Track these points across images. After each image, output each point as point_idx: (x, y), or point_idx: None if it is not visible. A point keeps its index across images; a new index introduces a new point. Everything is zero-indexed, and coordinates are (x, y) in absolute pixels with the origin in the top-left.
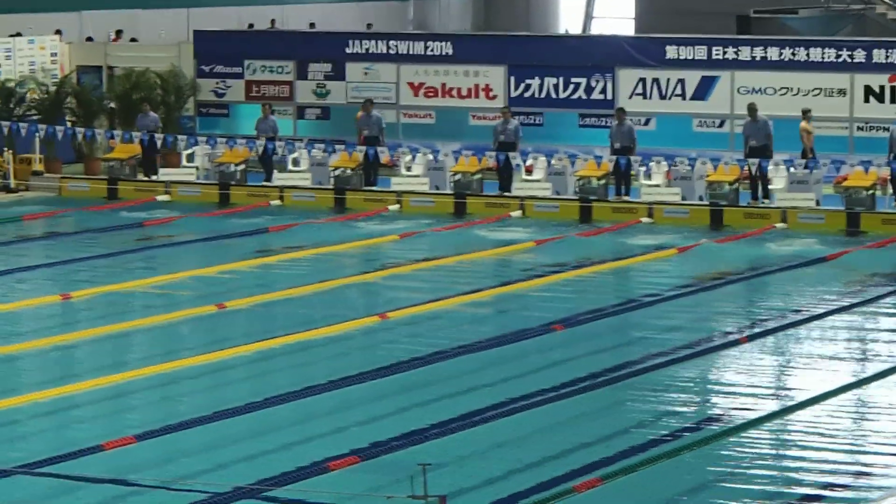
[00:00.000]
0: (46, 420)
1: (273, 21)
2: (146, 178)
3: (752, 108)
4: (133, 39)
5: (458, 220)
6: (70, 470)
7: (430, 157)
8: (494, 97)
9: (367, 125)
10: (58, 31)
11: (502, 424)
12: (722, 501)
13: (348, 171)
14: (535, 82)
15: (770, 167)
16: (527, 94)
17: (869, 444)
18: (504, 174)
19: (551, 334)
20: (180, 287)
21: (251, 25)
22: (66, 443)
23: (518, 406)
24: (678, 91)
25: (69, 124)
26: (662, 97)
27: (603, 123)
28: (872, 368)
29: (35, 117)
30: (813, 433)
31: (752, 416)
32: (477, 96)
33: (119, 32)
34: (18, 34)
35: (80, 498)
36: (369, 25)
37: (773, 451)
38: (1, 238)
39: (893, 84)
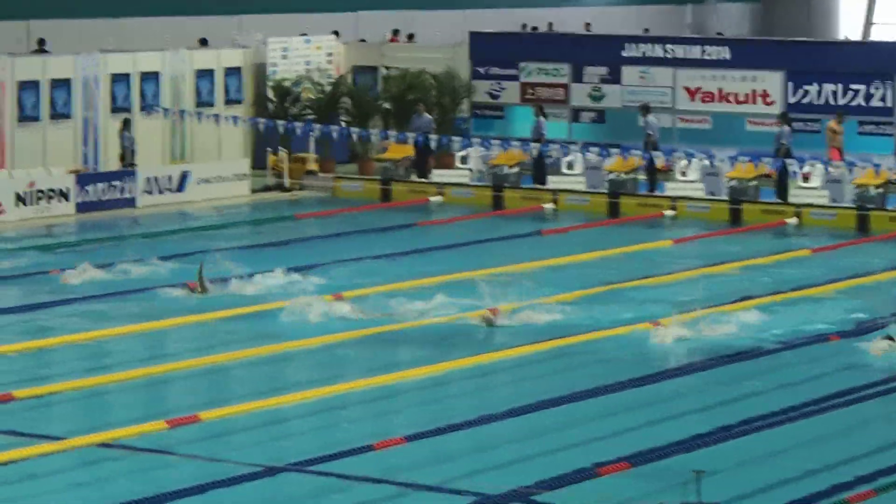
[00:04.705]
0: (316, 419)
1: (550, 24)
2: (419, 180)
3: None
4: (411, 36)
5: (733, 226)
6: (340, 469)
7: (706, 162)
8: (772, 103)
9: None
10: (335, 32)
11: (777, 433)
12: None
13: (623, 176)
14: (814, 88)
15: None
16: (805, 101)
17: None
18: (780, 181)
19: (825, 343)
20: (452, 290)
21: (524, 26)
22: (336, 442)
23: (793, 415)
24: None
25: (344, 124)
26: None
27: (882, 131)
28: None
29: (310, 117)
30: None
31: None
32: (754, 102)
33: (395, 32)
34: (304, 34)
35: (349, 497)
36: (646, 30)
37: None
38: (275, 237)
39: None
